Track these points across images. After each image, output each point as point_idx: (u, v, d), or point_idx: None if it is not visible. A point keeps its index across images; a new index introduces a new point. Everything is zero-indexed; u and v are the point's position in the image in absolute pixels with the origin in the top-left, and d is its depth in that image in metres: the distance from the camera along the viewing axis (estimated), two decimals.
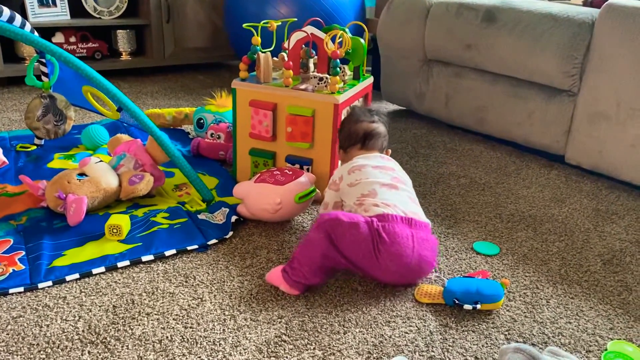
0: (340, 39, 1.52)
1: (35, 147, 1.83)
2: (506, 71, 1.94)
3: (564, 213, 1.57)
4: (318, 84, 1.48)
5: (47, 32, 2.69)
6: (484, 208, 1.58)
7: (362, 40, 1.57)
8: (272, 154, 1.56)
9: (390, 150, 1.40)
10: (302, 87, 1.49)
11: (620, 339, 1.05)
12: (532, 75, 1.86)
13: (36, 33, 1.54)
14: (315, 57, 1.66)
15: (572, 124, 1.80)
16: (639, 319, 1.11)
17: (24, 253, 1.22)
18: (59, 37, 2.74)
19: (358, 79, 1.62)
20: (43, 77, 1.71)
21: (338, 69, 1.47)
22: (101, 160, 1.49)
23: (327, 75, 1.48)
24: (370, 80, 1.69)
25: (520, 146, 2.04)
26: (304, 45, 1.61)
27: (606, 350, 1.02)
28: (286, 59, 1.60)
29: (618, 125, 1.66)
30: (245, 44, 1.63)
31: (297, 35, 1.55)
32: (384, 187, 1.21)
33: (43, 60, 1.69)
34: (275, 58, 1.64)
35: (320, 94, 1.46)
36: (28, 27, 1.53)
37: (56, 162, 1.72)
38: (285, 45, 1.62)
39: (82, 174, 1.41)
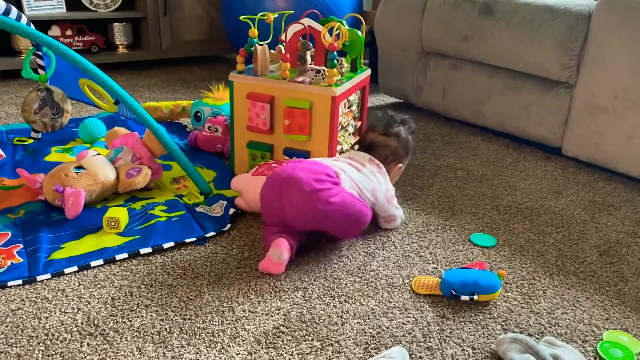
0: (338, 32, 1.51)
1: (32, 140, 1.83)
2: (503, 63, 1.94)
3: (560, 205, 1.58)
4: (315, 76, 1.48)
5: (43, 25, 2.68)
6: (481, 200, 1.58)
7: (359, 33, 1.57)
8: (269, 147, 1.56)
9: (400, 166, 1.44)
10: (300, 79, 1.49)
11: (616, 329, 1.06)
12: (529, 68, 1.86)
13: (32, 26, 1.54)
14: (313, 49, 1.66)
15: (569, 116, 1.80)
16: (635, 309, 1.12)
17: (22, 246, 1.22)
18: (55, 30, 2.73)
19: (355, 72, 1.62)
20: (40, 70, 1.70)
21: (335, 61, 1.47)
22: (99, 154, 1.48)
23: (325, 68, 1.48)
24: (367, 72, 1.69)
25: (518, 138, 2.04)
26: (301, 38, 1.61)
27: (602, 340, 1.03)
28: (283, 51, 1.60)
29: (615, 117, 1.66)
30: (242, 37, 1.62)
31: (294, 28, 1.55)
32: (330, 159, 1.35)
33: (39, 53, 1.68)
34: (272, 50, 1.64)
35: (318, 87, 1.45)
36: (24, 19, 1.52)
37: (53, 156, 1.72)
38: (283, 37, 1.62)
39: (79, 167, 1.41)
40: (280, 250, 1.17)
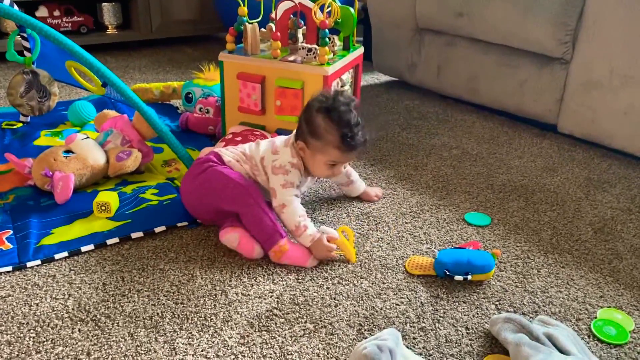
0: (329, 9, 1.48)
1: (21, 124, 1.80)
2: (498, 39, 1.91)
3: (555, 182, 1.57)
4: (307, 55, 1.46)
5: (30, 6, 2.62)
6: (476, 179, 1.57)
7: (351, 10, 1.54)
8: (261, 128, 1.53)
9: (302, 146, 1.18)
10: (291, 58, 1.47)
11: (610, 307, 1.06)
12: (525, 44, 1.83)
13: (16, 7, 1.50)
14: (304, 27, 1.63)
15: (565, 92, 1.78)
16: (629, 287, 1.12)
17: (11, 232, 1.21)
18: (42, 11, 2.67)
19: (348, 50, 1.59)
20: (25, 53, 1.67)
21: (327, 39, 1.44)
22: (88, 137, 1.46)
23: (316, 46, 1.45)
24: (360, 50, 1.66)
25: (513, 116, 2.02)
26: (292, 16, 1.58)
27: (596, 318, 1.03)
28: (274, 29, 1.56)
29: (611, 93, 1.64)
30: (233, 16, 1.59)
31: (284, 5, 1.52)
32: None
33: (24, 34, 1.64)
34: (262, 29, 1.60)
35: (310, 66, 1.43)
36: (7, 0, 1.49)
37: (43, 140, 1.70)
38: (273, 15, 1.58)
39: (68, 151, 1.39)
40: (227, 238, 1.16)
